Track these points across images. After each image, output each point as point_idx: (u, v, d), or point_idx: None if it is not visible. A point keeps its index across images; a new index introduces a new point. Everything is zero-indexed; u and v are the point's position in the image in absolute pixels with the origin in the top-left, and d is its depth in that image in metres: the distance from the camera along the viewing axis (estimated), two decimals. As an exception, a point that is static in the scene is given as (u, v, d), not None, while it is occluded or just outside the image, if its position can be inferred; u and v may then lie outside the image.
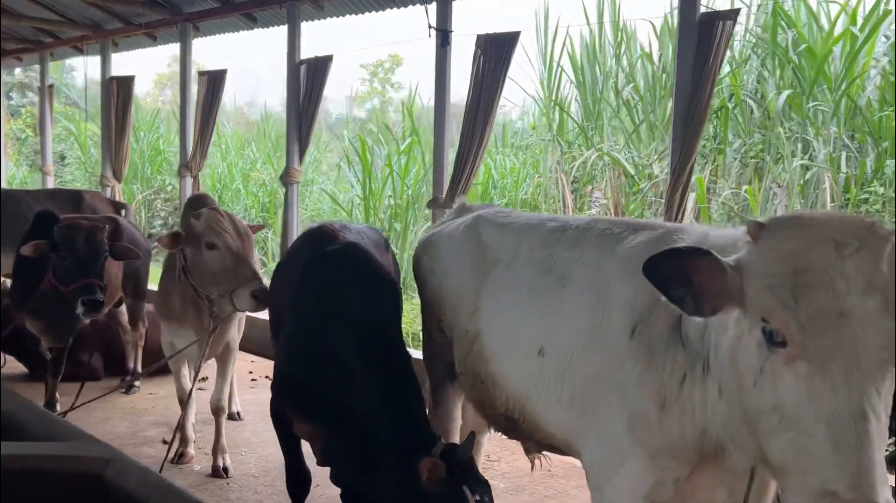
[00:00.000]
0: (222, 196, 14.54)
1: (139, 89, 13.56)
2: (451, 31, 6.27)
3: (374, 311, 3.21)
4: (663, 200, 7.54)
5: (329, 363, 3.14)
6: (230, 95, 27.73)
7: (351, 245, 3.40)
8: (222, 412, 4.55)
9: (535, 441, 2.95)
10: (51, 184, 11.80)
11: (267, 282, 4.01)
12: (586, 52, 9.43)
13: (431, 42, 6.52)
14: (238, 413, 5.51)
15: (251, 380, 6.46)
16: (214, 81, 8.67)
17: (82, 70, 11.38)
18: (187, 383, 4.63)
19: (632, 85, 9.14)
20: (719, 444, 2.14)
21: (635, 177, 8.66)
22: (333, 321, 3.15)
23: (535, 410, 2.69)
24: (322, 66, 7.45)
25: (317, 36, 7.97)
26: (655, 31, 9.16)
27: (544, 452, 3.18)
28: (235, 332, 4.60)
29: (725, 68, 7.38)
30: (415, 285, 3.63)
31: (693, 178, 7.80)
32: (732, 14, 4.97)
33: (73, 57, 11.50)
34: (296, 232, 8.00)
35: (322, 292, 3.23)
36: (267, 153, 15.24)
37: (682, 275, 1.88)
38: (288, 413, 3.37)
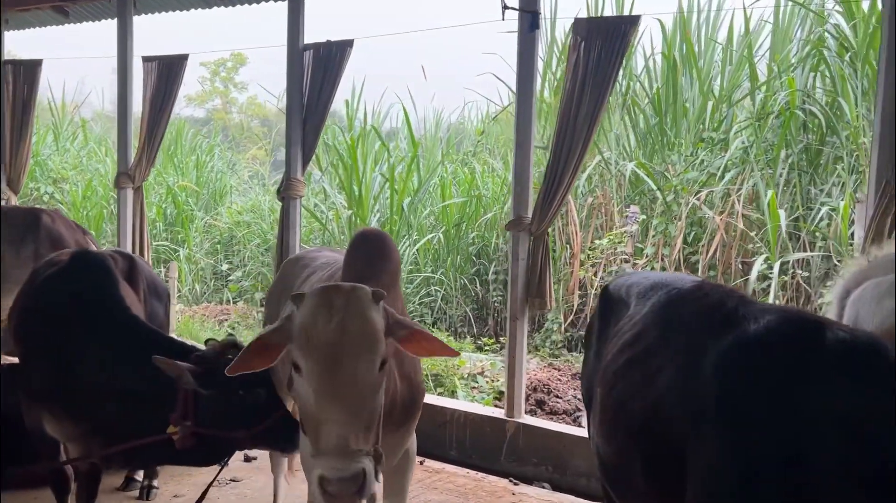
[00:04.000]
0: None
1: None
2: (540, 13, 5.11)
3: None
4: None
5: None
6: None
7: (798, 319, 2.15)
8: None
9: None
10: None
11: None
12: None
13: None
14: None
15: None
16: (171, 67, 6.93)
17: None
18: None
19: (658, 85, 8.33)
20: None
21: (659, 189, 7.85)
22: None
23: None
24: (337, 53, 6.00)
25: (323, 17, 6.48)
26: (664, 30, 8.45)
27: None
28: (414, 435, 3.13)
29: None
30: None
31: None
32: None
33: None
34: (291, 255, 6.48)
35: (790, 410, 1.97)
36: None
37: None
38: None
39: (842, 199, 6.56)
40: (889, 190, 4.01)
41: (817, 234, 6.77)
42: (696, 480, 2.27)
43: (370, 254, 2.84)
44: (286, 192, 6.22)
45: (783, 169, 7.19)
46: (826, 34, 7.19)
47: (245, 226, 11.66)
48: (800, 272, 6.87)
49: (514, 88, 9.97)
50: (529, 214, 5.15)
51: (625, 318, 2.87)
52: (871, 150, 4.15)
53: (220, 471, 3.43)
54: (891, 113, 4.04)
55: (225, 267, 11.18)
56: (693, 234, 8.01)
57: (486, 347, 8.17)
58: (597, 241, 8.01)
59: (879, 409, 1.92)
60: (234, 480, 4.66)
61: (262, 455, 4.98)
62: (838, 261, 6.47)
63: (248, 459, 4.99)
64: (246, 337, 8.69)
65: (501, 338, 8.56)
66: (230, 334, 3.30)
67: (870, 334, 2.12)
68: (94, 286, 3.21)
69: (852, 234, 6.41)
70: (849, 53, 7.01)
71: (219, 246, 11.67)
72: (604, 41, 4.88)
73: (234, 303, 10.49)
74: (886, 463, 1.87)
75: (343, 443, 2.13)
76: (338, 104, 12.52)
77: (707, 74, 8.23)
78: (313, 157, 6.88)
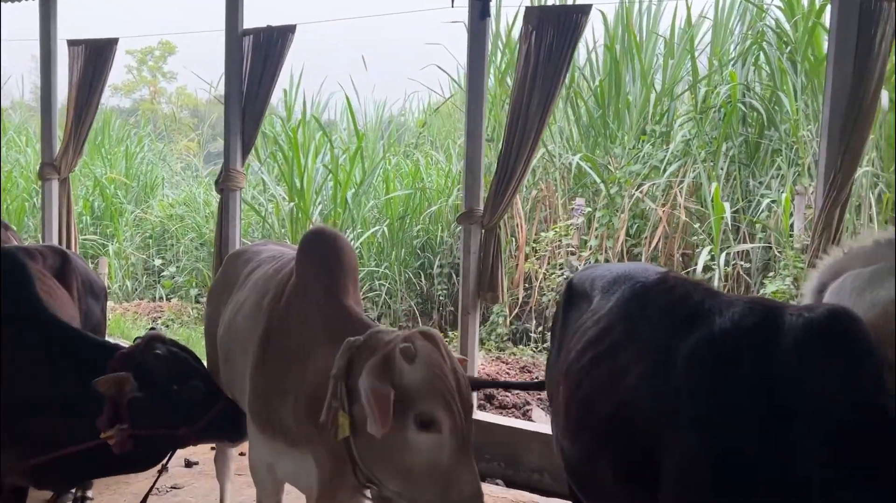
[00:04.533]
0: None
1: None
2: (491, 0, 5.01)
3: None
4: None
5: None
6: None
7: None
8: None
9: None
10: None
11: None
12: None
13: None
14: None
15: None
16: (100, 52, 6.56)
17: None
18: None
19: (600, 78, 8.34)
20: None
21: (602, 181, 7.87)
22: None
23: None
24: (279, 39, 5.78)
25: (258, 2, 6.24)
26: (606, 21, 8.47)
27: None
28: None
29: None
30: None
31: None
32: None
33: None
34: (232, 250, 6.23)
35: None
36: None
37: None
38: None
39: (782, 192, 6.69)
40: (838, 181, 4.07)
41: (757, 225, 6.89)
42: (671, 477, 2.22)
43: (326, 255, 2.70)
44: (225, 184, 5.96)
45: (724, 162, 7.30)
46: (766, 28, 7.33)
47: (178, 219, 11.21)
48: (741, 263, 7.00)
49: (457, 79, 9.94)
50: (482, 207, 5.06)
51: (588, 313, 2.80)
52: (820, 143, 4.20)
53: (159, 477, 3.25)
54: (839, 105, 4.09)
55: (158, 262, 10.74)
56: (636, 226, 8.07)
57: (432, 342, 8.06)
58: (542, 234, 7.99)
59: (854, 386, 1.91)
60: (175, 487, 4.43)
61: (204, 459, 4.76)
62: (779, 251, 6.61)
63: (188, 464, 4.76)
64: (180, 335, 8.35)
65: (449, 333, 8.48)
66: (152, 328, 3.14)
67: (833, 308, 2.09)
68: (6, 284, 2.96)
69: (792, 225, 6.56)
70: (788, 48, 7.15)
71: (150, 240, 11.20)
72: (555, 30, 4.82)
73: (168, 299, 10.10)
74: (865, 442, 1.86)
75: (480, 488, 2.12)
76: (275, 94, 12.19)
77: (649, 67, 8.29)
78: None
